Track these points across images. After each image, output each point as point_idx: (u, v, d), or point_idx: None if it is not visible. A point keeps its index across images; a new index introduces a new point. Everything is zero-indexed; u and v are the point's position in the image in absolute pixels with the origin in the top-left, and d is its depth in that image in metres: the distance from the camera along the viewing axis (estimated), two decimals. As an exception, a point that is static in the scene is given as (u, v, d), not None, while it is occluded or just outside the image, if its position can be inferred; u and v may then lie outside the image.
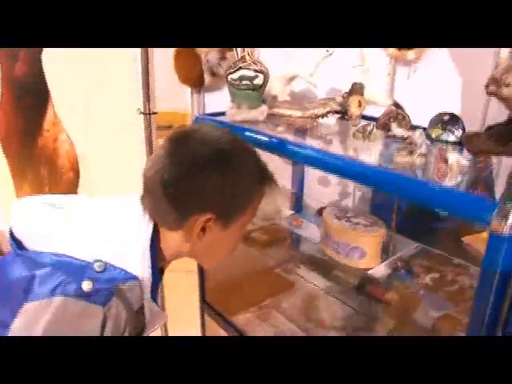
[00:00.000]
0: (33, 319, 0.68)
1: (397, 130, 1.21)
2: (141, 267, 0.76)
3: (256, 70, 1.28)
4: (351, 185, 1.77)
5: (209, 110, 1.51)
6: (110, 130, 1.66)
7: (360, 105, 1.34)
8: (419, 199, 0.89)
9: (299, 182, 1.75)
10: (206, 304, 1.67)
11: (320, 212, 1.50)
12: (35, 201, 0.79)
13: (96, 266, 0.71)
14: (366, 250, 1.25)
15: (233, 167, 0.76)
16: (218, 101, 1.46)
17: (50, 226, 0.75)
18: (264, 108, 1.35)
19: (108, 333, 0.71)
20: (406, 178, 0.93)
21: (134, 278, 0.75)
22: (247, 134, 1.21)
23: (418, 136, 1.06)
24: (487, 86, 0.93)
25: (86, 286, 0.70)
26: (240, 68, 1.28)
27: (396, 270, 1.25)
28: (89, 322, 0.70)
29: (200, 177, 0.73)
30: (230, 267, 1.58)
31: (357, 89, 1.35)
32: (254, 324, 1.63)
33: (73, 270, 0.70)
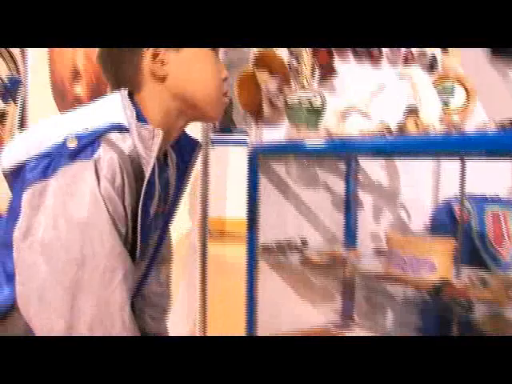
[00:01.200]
0: (36, 203, 0.66)
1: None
2: (124, 115, 0.73)
3: (315, 95, 1.35)
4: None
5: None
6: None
7: (417, 125, 1.37)
8: None
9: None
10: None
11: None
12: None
13: (68, 140, 0.68)
14: (437, 263, 1.18)
15: None
16: (276, 133, 1.51)
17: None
18: (322, 132, 1.39)
19: (106, 187, 0.66)
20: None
21: (119, 126, 0.71)
22: (309, 143, 1.24)
23: None
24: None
25: (71, 143, 0.67)
26: (299, 93, 1.35)
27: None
28: (83, 179, 0.66)
29: None
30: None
31: (413, 111, 1.39)
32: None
33: (56, 151, 0.68)
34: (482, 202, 1.90)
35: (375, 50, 1.79)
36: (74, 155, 0.67)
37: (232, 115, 4.86)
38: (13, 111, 3.34)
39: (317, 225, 1.71)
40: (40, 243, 0.64)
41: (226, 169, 4.28)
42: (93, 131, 0.69)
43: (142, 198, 0.71)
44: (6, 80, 4.63)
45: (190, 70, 0.78)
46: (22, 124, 2.83)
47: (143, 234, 0.75)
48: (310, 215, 1.69)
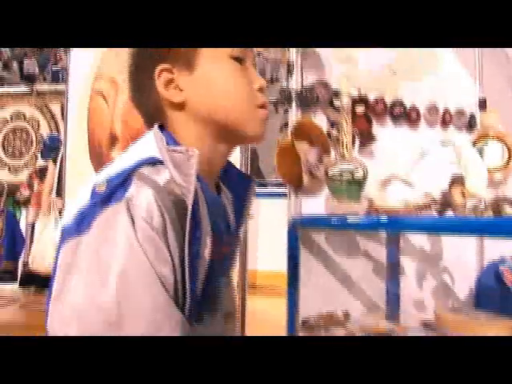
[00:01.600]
0: (68, 261, 0.59)
1: (511, 211, 1.16)
2: (156, 147, 0.64)
3: (356, 165, 1.33)
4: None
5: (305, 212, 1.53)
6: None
7: (464, 195, 1.32)
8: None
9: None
10: None
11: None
12: None
13: (97, 186, 0.61)
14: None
15: None
16: (315, 204, 1.49)
17: None
18: (364, 204, 1.36)
19: (144, 228, 0.57)
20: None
21: (151, 158, 0.63)
22: (351, 219, 1.21)
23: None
24: None
25: (100, 187, 0.60)
26: (340, 164, 1.33)
27: None
28: (116, 225, 0.57)
29: None
30: None
31: (458, 180, 1.35)
32: None
33: (87, 202, 0.61)
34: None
35: (413, 112, 1.77)
36: (106, 201, 0.59)
37: (259, 166, 4.87)
38: (52, 169, 3.46)
39: (358, 294, 1.65)
40: (71, 306, 0.57)
41: (261, 220, 4.25)
42: (123, 170, 0.62)
43: (187, 233, 0.61)
44: (46, 138, 4.82)
45: (209, 88, 0.70)
46: (60, 182, 2.90)
47: (195, 281, 0.63)
48: (351, 285, 1.64)
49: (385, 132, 1.70)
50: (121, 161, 0.65)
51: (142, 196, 0.59)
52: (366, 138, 1.57)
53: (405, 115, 1.75)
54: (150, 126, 0.72)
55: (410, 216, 1.16)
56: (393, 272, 1.67)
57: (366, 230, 1.43)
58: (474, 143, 1.97)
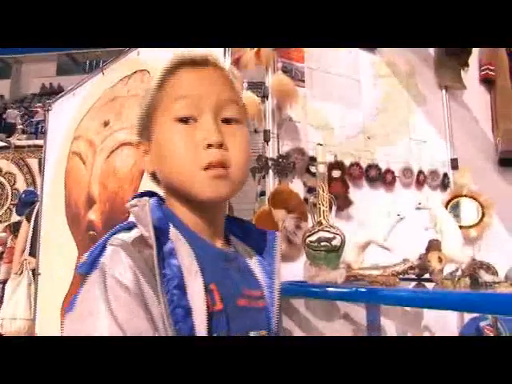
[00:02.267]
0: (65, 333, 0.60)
1: (487, 277, 1.17)
2: (142, 215, 0.65)
3: (333, 232, 1.33)
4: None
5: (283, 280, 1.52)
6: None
7: (441, 260, 1.33)
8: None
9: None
10: None
11: None
12: None
13: (82, 259, 0.63)
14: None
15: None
16: (293, 271, 1.48)
17: None
18: (342, 270, 1.36)
19: (113, 286, 0.58)
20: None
21: (127, 224, 0.65)
22: (330, 289, 1.20)
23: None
24: None
25: (82, 261, 0.62)
26: (318, 231, 1.33)
27: None
28: (92, 296, 0.58)
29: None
30: None
31: (434, 245, 1.36)
32: None
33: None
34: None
35: (388, 175, 1.81)
36: (86, 274, 0.61)
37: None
38: (26, 227, 3.39)
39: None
40: None
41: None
42: (102, 240, 0.64)
43: (158, 279, 0.60)
44: (22, 193, 4.75)
45: (159, 153, 0.69)
46: (34, 241, 2.84)
47: (190, 330, 0.61)
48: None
49: (361, 195, 1.73)
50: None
51: (113, 258, 0.61)
52: (342, 202, 1.59)
53: (380, 178, 1.78)
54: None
55: (388, 288, 1.16)
56: (373, 333, 1.65)
57: (345, 300, 1.42)
58: (449, 202, 2.01)
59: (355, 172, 1.70)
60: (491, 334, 1.80)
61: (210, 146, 0.66)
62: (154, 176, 0.74)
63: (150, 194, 0.72)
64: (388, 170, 1.81)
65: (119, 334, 0.56)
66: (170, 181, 0.69)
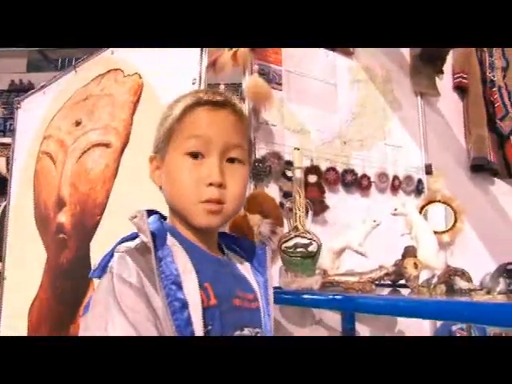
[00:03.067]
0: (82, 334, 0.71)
1: (462, 283, 1.18)
2: (140, 223, 0.76)
3: (310, 238, 1.32)
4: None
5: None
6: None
7: (416, 266, 1.33)
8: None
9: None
10: None
11: None
12: None
13: (93, 269, 0.76)
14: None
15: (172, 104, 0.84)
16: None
17: None
18: (318, 277, 1.34)
19: (123, 290, 0.68)
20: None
21: (132, 234, 0.78)
22: (306, 296, 1.19)
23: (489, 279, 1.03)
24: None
25: (94, 268, 0.75)
26: (294, 236, 1.32)
27: None
28: (103, 298, 0.69)
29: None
30: None
31: (410, 251, 1.36)
32: None
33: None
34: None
35: (364, 180, 1.81)
36: (99, 276, 0.73)
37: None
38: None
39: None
40: None
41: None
42: (111, 249, 0.76)
43: (157, 278, 0.71)
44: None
45: (168, 179, 0.82)
46: (1, 243, 2.74)
47: (188, 325, 0.70)
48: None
49: (337, 200, 1.73)
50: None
51: (120, 262, 0.72)
52: (318, 207, 1.58)
53: (356, 183, 1.78)
54: None
55: (364, 296, 1.15)
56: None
57: (321, 307, 1.41)
58: (423, 207, 2.03)
59: (331, 177, 1.69)
60: (462, 338, 1.83)
61: (211, 184, 0.78)
62: (161, 188, 0.85)
63: (152, 212, 0.83)
64: (364, 175, 1.81)
65: (130, 331, 0.65)
66: (173, 203, 0.82)
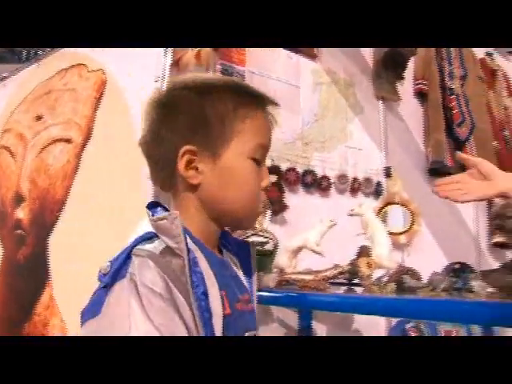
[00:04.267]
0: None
1: (411, 282, 1.22)
2: (172, 227, 0.69)
3: (266, 237, 1.34)
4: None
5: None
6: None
7: (370, 266, 1.37)
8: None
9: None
10: None
11: None
12: None
13: (102, 269, 0.68)
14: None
15: (203, 90, 0.75)
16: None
17: None
18: (275, 275, 1.37)
19: (148, 297, 0.63)
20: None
21: (148, 234, 0.70)
22: (262, 294, 1.21)
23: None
24: (493, 219, 0.99)
25: (104, 270, 0.67)
26: (251, 235, 1.34)
27: None
28: (122, 302, 0.63)
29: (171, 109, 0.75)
30: None
31: (364, 251, 1.40)
32: None
33: (97, 289, 0.68)
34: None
35: (324, 181, 1.85)
36: (111, 281, 0.65)
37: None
38: None
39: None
40: None
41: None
42: (123, 250, 0.68)
43: (189, 288, 0.65)
44: None
45: (227, 180, 0.75)
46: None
47: (212, 335, 0.67)
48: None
49: (297, 200, 1.76)
50: (125, 245, 0.71)
51: (142, 268, 0.65)
52: (277, 207, 1.61)
53: (316, 184, 1.82)
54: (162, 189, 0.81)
55: (318, 294, 1.18)
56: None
57: (277, 305, 1.43)
58: (381, 209, 2.09)
59: (291, 177, 1.72)
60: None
61: (266, 188, 0.78)
62: (193, 188, 0.75)
63: (154, 203, 0.78)
64: (324, 176, 1.85)
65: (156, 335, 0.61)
66: (224, 202, 0.76)
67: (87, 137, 1.75)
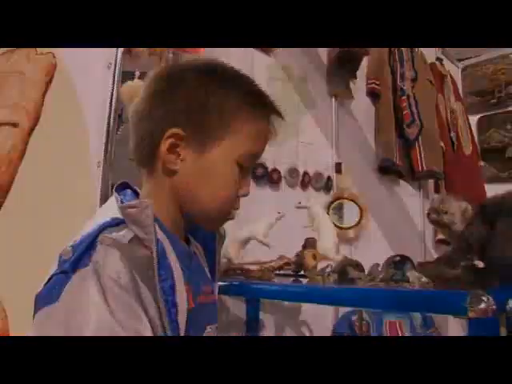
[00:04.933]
0: (40, 333, 0.59)
1: (354, 273, 1.26)
2: (117, 208, 0.66)
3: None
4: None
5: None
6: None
7: (315, 257, 1.41)
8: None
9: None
10: None
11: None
12: None
13: (64, 253, 0.62)
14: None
15: (212, 77, 0.72)
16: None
17: None
18: (224, 263, 1.38)
19: (113, 289, 0.58)
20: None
21: (114, 219, 0.65)
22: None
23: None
24: (429, 214, 1.04)
25: (66, 255, 0.61)
26: (199, 224, 1.34)
27: None
28: (84, 291, 0.58)
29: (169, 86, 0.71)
30: None
31: (310, 243, 1.44)
32: None
33: (56, 272, 0.62)
34: (379, 312, 1.98)
35: (274, 174, 1.88)
36: (73, 268, 0.60)
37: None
38: None
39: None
40: None
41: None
42: (87, 235, 0.63)
43: (157, 283, 0.62)
44: None
45: (206, 176, 0.71)
46: None
47: (176, 329, 0.64)
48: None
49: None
50: (86, 227, 0.66)
51: (108, 257, 0.60)
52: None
53: (266, 176, 1.84)
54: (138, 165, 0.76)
55: (261, 282, 1.20)
56: (252, 327, 1.70)
57: (221, 293, 1.45)
58: (331, 204, 2.14)
59: (242, 169, 1.73)
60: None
61: (243, 195, 0.76)
62: (170, 172, 0.72)
63: (125, 184, 0.76)
64: (274, 169, 1.87)
65: (118, 331, 0.57)
66: (196, 198, 0.72)
67: (35, 121, 1.71)
